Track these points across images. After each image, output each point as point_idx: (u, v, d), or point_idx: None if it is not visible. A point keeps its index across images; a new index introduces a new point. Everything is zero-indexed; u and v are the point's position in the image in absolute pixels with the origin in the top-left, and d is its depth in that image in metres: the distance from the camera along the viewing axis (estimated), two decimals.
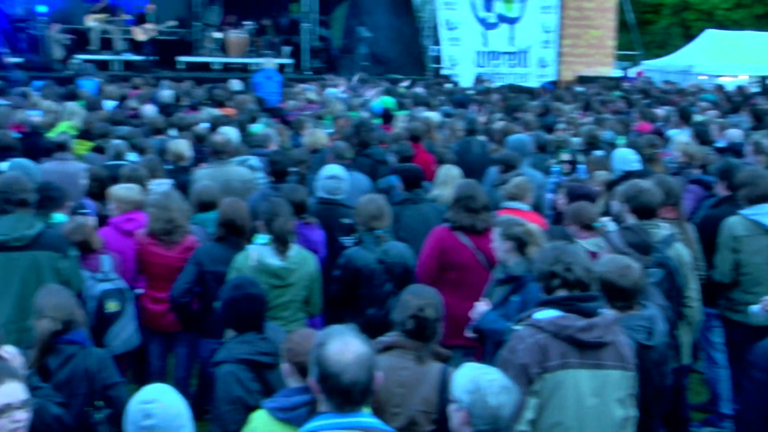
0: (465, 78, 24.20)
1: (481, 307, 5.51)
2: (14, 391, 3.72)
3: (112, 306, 6.02)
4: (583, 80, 24.86)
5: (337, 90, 18.04)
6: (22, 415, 3.72)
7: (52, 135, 10.38)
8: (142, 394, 3.73)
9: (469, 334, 5.62)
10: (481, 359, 5.45)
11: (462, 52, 25.97)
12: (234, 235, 6.38)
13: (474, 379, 3.80)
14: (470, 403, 3.76)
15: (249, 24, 25.24)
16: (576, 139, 11.53)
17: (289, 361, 4.17)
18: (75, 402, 4.63)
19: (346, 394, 3.31)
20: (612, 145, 10.20)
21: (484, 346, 5.63)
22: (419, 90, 18.31)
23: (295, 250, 6.14)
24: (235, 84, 17.73)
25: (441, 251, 6.60)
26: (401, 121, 12.64)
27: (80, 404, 4.65)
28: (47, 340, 4.65)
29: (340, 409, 3.34)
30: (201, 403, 6.96)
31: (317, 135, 10.42)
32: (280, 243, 6.02)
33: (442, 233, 6.70)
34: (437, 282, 6.03)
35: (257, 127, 11.53)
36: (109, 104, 14.48)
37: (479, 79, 22.88)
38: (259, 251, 6.02)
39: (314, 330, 4.45)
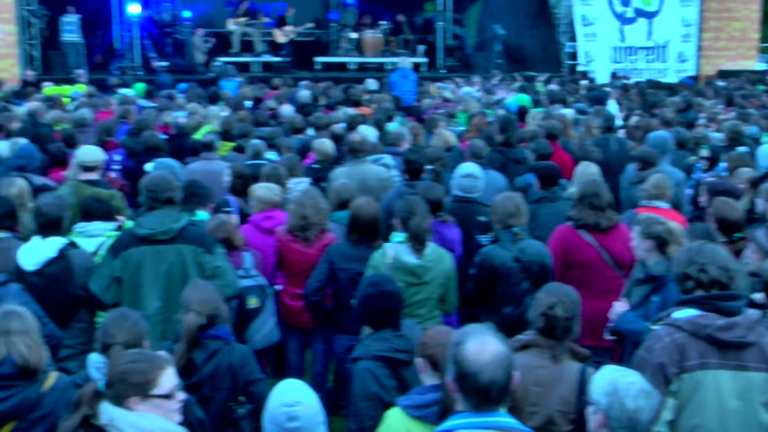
0: (601, 74, 23.74)
1: (619, 307, 5.41)
2: (174, 374, 3.86)
3: (253, 302, 6.16)
4: (724, 75, 23.98)
5: (472, 88, 18.01)
6: (183, 395, 3.86)
7: (198, 136, 10.73)
8: (284, 395, 3.74)
9: (607, 335, 5.52)
10: (619, 361, 5.35)
11: (598, 47, 25.48)
12: (365, 234, 6.45)
13: (612, 381, 3.73)
14: (608, 405, 3.69)
15: (384, 24, 25.48)
16: (717, 135, 11.16)
17: (423, 355, 4.19)
18: (218, 396, 4.76)
19: (484, 393, 3.29)
20: (756, 141, 9.83)
21: (623, 348, 5.53)
22: (554, 87, 18.07)
23: (431, 248, 6.15)
24: (371, 83, 17.90)
25: (564, 250, 6.51)
26: (536, 118, 12.50)
27: (223, 399, 4.78)
28: (193, 334, 4.77)
29: (477, 408, 3.33)
30: (337, 399, 7.07)
31: (445, 135, 10.42)
32: (417, 241, 6.05)
33: (565, 232, 6.61)
34: (561, 281, 5.96)
35: (393, 126, 11.63)
36: (247, 105, 14.88)
37: (616, 75, 22.40)
38: (395, 249, 6.06)
39: (449, 327, 4.47)
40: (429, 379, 4.16)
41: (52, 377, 4.43)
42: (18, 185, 7.28)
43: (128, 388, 3.57)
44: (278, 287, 6.94)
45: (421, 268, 6.05)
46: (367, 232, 6.44)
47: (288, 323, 6.94)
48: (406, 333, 4.82)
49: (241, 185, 8.04)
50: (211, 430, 4.75)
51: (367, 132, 10.22)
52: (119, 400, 3.49)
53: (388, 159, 9.10)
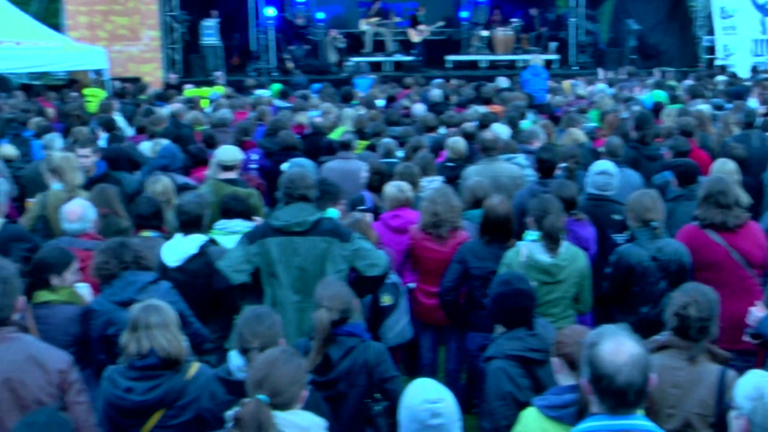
0: (741, 68, 22.89)
1: (758, 312, 5.23)
2: None
3: (386, 300, 6.22)
4: None
5: (605, 85, 17.69)
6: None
7: (333, 136, 10.90)
8: (425, 392, 3.72)
9: (747, 338, 5.35)
10: (762, 365, 5.18)
11: (738, 41, 24.57)
12: (498, 233, 6.43)
13: (758, 387, 3.61)
14: (751, 410, 3.58)
15: (515, 21, 25.30)
16: None
17: (559, 354, 4.16)
18: (354, 393, 4.82)
19: (620, 395, 3.24)
20: None
21: (766, 352, 5.35)
22: (690, 82, 17.57)
23: (565, 246, 6.09)
24: (502, 81, 17.81)
25: (692, 250, 6.30)
26: (671, 115, 12.17)
27: (359, 396, 4.83)
28: (327, 330, 4.83)
29: (613, 411, 3.28)
30: (469, 397, 7.07)
31: (575, 133, 10.27)
32: (551, 240, 6.00)
33: (692, 232, 6.41)
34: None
35: (526, 124, 11.55)
36: (380, 103, 15.03)
37: (756, 69, 21.58)
38: (529, 247, 6.03)
39: (585, 326, 4.41)
40: (565, 379, 4.12)
41: (195, 367, 4.61)
42: (163, 182, 7.58)
43: (294, 395, 3.62)
44: (412, 285, 6.99)
45: (555, 267, 5.99)
46: (500, 230, 6.43)
47: (421, 321, 6.98)
48: (540, 332, 4.78)
49: (377, 181, 8.14)
50: (347, 427, 4.84)
51: (500, 130, 10.18)
52: (284, 408, 3.55)
53: (521, 158, 9.04)
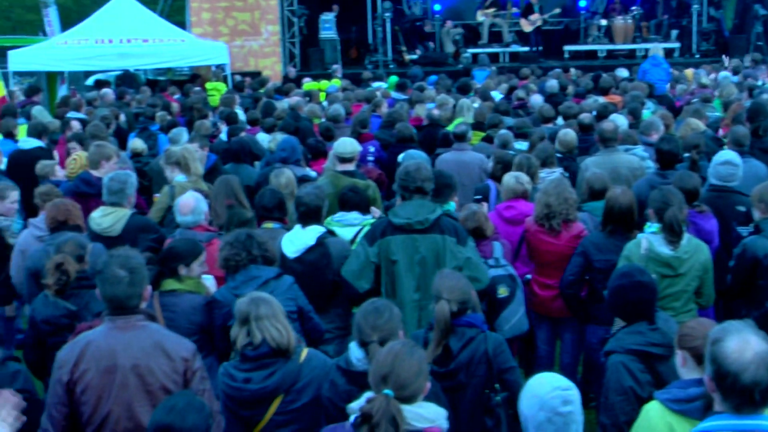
0: None
1: None
2: None
3: (502, 291, 6.19)
4: None
5: (729, 73, 17.16)
6: None
7: (451, 128, 10.90)
8: (555, 380, 3.68)
9: None
10: None
11: None
12: (620, 224, 6.33)
13: None
14: None
15: (635, 9, 24.76)
16: None
17: (683, 347, 4.05)
18: (474, 384, 4.81)
19: (745, 394, 3.14)
20: None
21: None
22: None
23: (687, 239, 5.94)
24: (622, 71, 17.46)
25: None
26: None
27: (479, 386, 4.82)
28: (447, 321, 4.83)
29: (737, 410, 3.18)
30: (586, 391, 6.98)
31: (693, 123, 9.99)
32: (672, 232, 5.86)
33: None
34: None
35: (645, 114, 11.30)
36: (496, 95, 14.95)
37: None
38: (649, 240, 5.91)
39: (709, 320, 4.29)
40: (690, 373, 4.02)
41: (305, 351, 4.69)
42: (287, 175, 7.74)
43: (419, 387, 3.62)
44: (528, 276, 6.95)
45: (676, 260, 5.86)
46: (623, 221, 6.33)
47: (537, 313, 6.94)
48: (661, 326, 4.65)
49: (501, 171, 8.11)
50: (467, 417, 4.84)
51: (619, 120, 9.99)
52: (409, 401, 3.56)
53: (640, 150, 8.85)
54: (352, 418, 3.57)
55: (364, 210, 7.04)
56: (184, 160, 8.21)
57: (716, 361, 3.18)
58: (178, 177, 8.24)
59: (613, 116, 10.38)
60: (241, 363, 4.60)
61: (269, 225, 6.69)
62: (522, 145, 9.67)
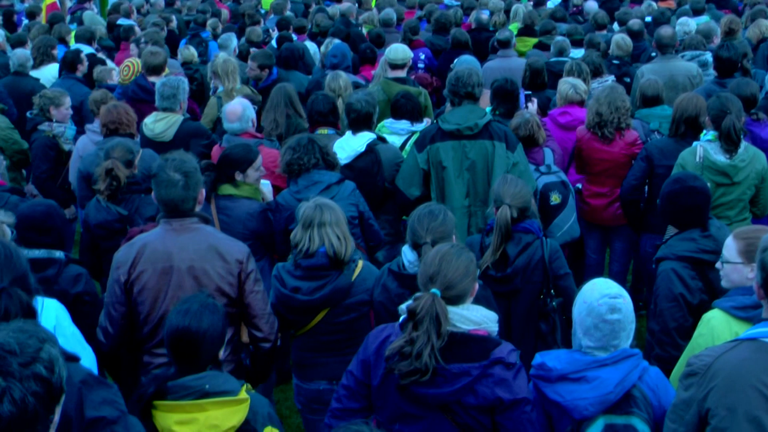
0: None
1: None
2: None
3: (555, 198, 6.16)
4: None
5: None
6: None
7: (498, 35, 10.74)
8: (605, 288, 3.64)
9: None
10: None
11: None
12: (690, 129, 6.22)
13: None
14: None
15: None
16: None
17: (741, 251, 3.99)
18: (529, 289, 4.85)
19: None
20: None
21: None
22: None
23: (744, 147, 5.84)
24: None
25: None
26: None
27: (534, 292, 4.86)
28: (508, 226, 4.84)
29: None
30: (635, 300, 6.98)
31: (763, 25, 9.68)
32: (729, 140, 5.76)
33: None
34: None
35: (702, 20, 11.00)
36: (553, 1, 14.63)
37: None
38: (705, 148, 5.82)
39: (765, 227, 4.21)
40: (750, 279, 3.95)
41: (360, 266, 4.71)
42: (343, 79, 7.72)
43: (466, 289, 3.60)
44: (578, 186, 6.91)
45: (732, 168, 5.77)
46: (691, 127, 6.22)
47: (588, 221, 6.91)
48: (714, 233, 4.61)
49: (528, 79, 8.09)
50: (521, 322, 4.88)
51: (690, 25, 9.72)
52: (456, 302, 3.56)
53: (708, 56, 8.62)
54: (401, 318, 3.61)
55: (416, 117, 7.00)
56: (220, 70, 8.22)
57: (765, 269, 3.15)
58: (220, 87, 8.31)
59: (682, 19, 10.12)
60: (294, 269, 4.65)
61: (323, 130, 6.68)
62: (578, 52, 9.50)
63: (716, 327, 3.86)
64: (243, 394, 3.36)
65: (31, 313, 2.87)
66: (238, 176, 5.63)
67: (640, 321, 6.27)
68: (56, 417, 2.33)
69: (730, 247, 3.98)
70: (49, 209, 4.94)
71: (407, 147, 6.59)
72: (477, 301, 3.69)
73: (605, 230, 7.04)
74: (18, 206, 5.18)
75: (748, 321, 3.73)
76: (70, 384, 2.83)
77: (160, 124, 7.01)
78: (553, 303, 4.85)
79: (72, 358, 3.09)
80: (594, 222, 6.95)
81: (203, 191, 4.49)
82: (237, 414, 3.32)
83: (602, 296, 3.58)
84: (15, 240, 4.39)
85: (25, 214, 4.83)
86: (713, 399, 3.15)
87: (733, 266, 3.97)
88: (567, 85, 7.32)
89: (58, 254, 4.79)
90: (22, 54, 9.60)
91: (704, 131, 6.08)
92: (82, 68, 9.39)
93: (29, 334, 2.28)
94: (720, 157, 5.78)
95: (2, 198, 5.72)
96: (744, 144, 5.87)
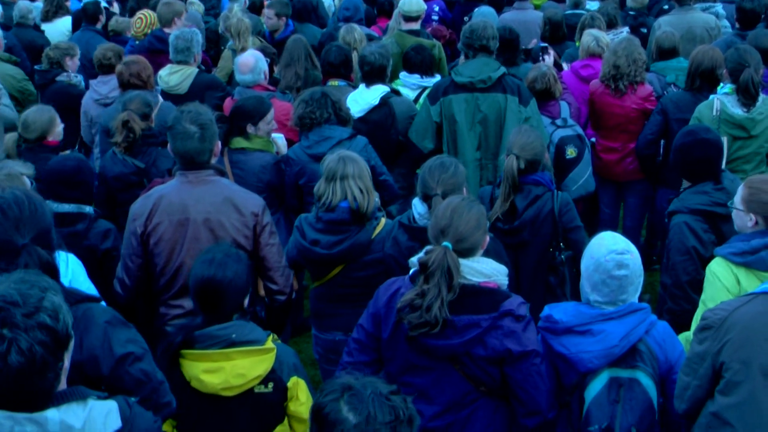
0: None
1: None
2: None
3: (570, 152, 6.13)
4: None
5: None
6: None
7: None
8: (613, 243, 3.63)
9: None
10: None
11: None
12: (706, 82, 6.18)
13: None
14: None
15: None
16: None
17: (745, 201, 3.97)
18: (538, 241, 4.83)
19: None
20: None
21: None
22: None
23: (761, 100, 5.78)
24: None
25: None
26: None
27: (543, 244, 4.85)
28: (514, 176, 4.82)
29: None
30: (649, 254, 7.00)
31: None
32: (747, 93, 5.71)
33: None
34: None
35: None
36: None
37: None
38: (722, 101, 5.77)
39: None
40: (751, 227, 3.96)
41: (381, 224, 4.70)
42: (358, 32, 7.67)
43: (477, 242, 3.60)
44: (593, 140, 6.88)
45: (749, 121, 5.73)
46: (707, 80, 6.17)
47: (601, 176, 6.88)
48: (727, 186, 4.58)
49: (548, 32, 8.01)
50: (530, 275, 4.89)
51: None
52: (466, 255, 3.55)
53: (718, 8, 8.53)
54: (411, 271, 3.62)
55: (427, 71, 6.96)
56: (233, 30, 8.18)
57: None
58: (230, 42, 8.28)
59: None
60: (315, 222, 4.67)
61: (334, 82, 6.67)
62: (593, 4, 9.40)
63: (717, 271, 3.92)
64: (269, 344, 3.41)
65: (51, 270, 2.88)
66: (250, 129, 5.63)
67: (654, 275, 6.32)
68: (65, 363, 2.37)
69: (738, 193, 4.01)
70: (80, 163, 5.00)
71: (420, 101, 6.56)
72: (487, 253, 3.69)
73: (618, 185, 7.02)
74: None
75: (746, 266, 3.81)
76: (95, 324, 2.98)
77: (174, 76, 7.00)
78: (562, 256, 4.85)
79: (94, 299, 3.16)
80: (607, 177, 6.93)
81: (219, 143, 4.49)
82: (263, 363, 3.37)
83: (609, 252, 3.58)
84: (39, 192, 4.42)
85: (55, 168, 4.88)
86: (728, 353, 3.17)
87: (737, 212, 4.00)
88: (590, 37, 7.26)
89: (88, 209, 4.85)
90: (23, 5, 9.57)
91: (721, 84, 6.03)
92: (102, 20, 9.36)
93: (30, 284, 2.30)
94: (737, 111, 5.74)
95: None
96: (762, 97, 5.82)
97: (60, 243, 3.29)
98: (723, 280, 3.90)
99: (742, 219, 3.98)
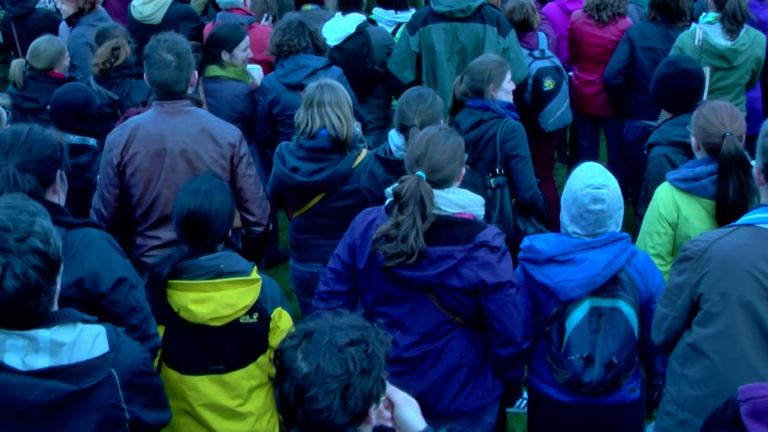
0: None
1: None
2: None
3: (548, 84, 6.10)
4: None
5: None
6: None
7: None
8: (590, 177, 3.60)
9: None
10: None
11: None
12: (666, 12, 6.14)
13: None
14: None
15: None
16: None
17: (696, 135, 3.99)
18: (480, 165, 4.76)
19: None
20: None
21: None
22: None
23: (745, 29, 5.75)
24: None
25: None
26: None
27: (484, 169, 4.77)
28: (457, 97, 4.86)
29: None
30: (626, 187, 7.00)
31: None
32: (734, 20, 5.66)
33: None
34: None
35: None
36: None
37: None
38: (704, 30, 5.73)
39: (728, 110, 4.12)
40: (702, 154, 3.99)
41: (363, 154, 4.66)
42: None
43: (452, 172, 3.55)
44: (570, 74, 6.85)
45: (732, 52, 5.70)
46: (667, 10, 6.13)
47: (579, 110, 6.87)
48: None
49: None
50: None
51: None
52: (441, 185, 3.50)
53: None
54: (387, 202, 3.60)
55: (403, 4, 6.86)
56: None
57: (767, 153, 3.13)
58: None
59: None
60: (296, 149, 4.64)
61: (308, 7, 6.60)
62: None
63: (658, 197, 4.00)
64: (255, 275, 3.40)
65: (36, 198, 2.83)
66: (225, 56, 5.57)
67: (627, 209, 6.34)
68: (57, 286, 2.39)
69: None
70: (89, 95, 4.99)
71: (397, 35, 6.49)
72: (464, 185, 3.66)
73: (596, 120, 7.01)
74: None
75: (689, 192, 3.88)
76: (96, 244, 3.07)
77: (148, 6, 6.86)
78: (491, 180, 4.77)
79: (94, 224, 3.20)
80: (585, 112, 6.92)
81: (195, 73, 4.42)
82: (250, 294, 3.37)
83: (585, 186, 3.56)
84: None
85: (66, 98, 4.87)
86: (707, 284, 3.17)
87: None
88: None
89: (92, 141, 4.82)
90: None
91: (703, 14, 5.99)
92: None
93: (19, 210, 2.30)
94: (720, 41, 5.71)
95: None
96: (745, 26, 5.78)
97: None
98: (660, 207, 3.97)
99: (693, 144, 4.05)
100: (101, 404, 2.42)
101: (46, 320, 2.33)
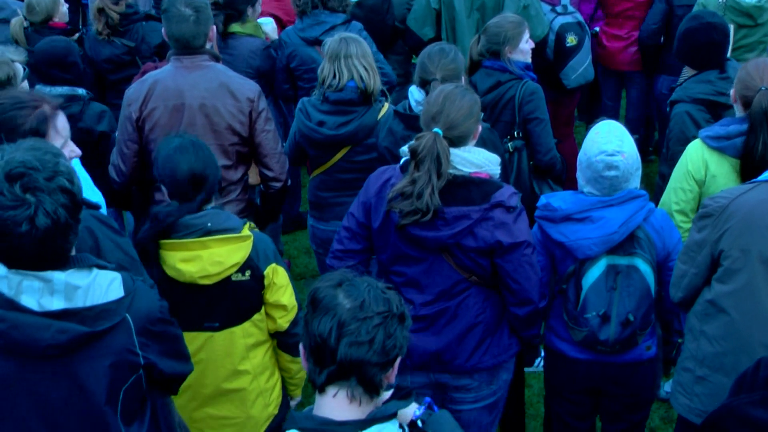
0: None
1: None
2: None
3: (571, 40, 6.03)
4: None
5: None
6: None
7: None
8: (605, 142, 3.55)
9: None
10: None
11: None
12: None
13: None
14: None
15: None
16: None
17: (735, 86, 3.90)
18: (498, 128, 4.71)
19: None
20: None
21: None
22: None
23: None
24: None
25: None
26: None
27: (502, 132, 4.71)
28: (474, 58, 4.79)
29: None
30: (647, 145, 6.96)
31: None
32: None
33: None
34: None
35: None
36: None
37: None
38: None
39: None
40: (739, 112, 3.92)
41: (385, 107, 4.65)
42: None
43: (468, 130, 3.51)
44: (596, 29, 6.77)
45: (756, 9, 5.62)
46: None
47: (604, 66, 6.80)
48: (731, 75, 4.43)
49: None
50: None
51: None
52: (458, 143, 3.45)
53: None
54: (402, 160, 3.57)
55: None
56: None
57: None
58: None
59: None
60: (320, 103, 4.62)
61: None
62: None
63: (689, 153, 3.93)
64: (245, 232, 3.39)
65: None
66: (249, 11, 5.57)
67: (650, 166, 6.30)
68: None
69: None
70: (68, 44, 4.94)
71: None
72: (483, 143, 3.63)
73: (621, 76, 6.93)
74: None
75: (720, 150, 3.80)
76: (87, 229, 2.95)
77: None
78: (509, 144, 4.73)
79: (94, 206, 3.15)
80: (610, 67, 6.84)
81: (214, 27, 4.40)
82: (240, 251, 3.36)
83: (600, 152, 3.52)
84: (32, 77, 4.34)
85: (46, 50, 4.82)
86: (727, 240, 3.16)
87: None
88: None
89: (81, 91, 4.80)
90: None
91: None
92: None
93: (44, 151, 2.34)
94: None
95: None
96: None
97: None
98: (689, 164, 3.90)
99: (732, 95, 3.95)
100: (115, 348, 2.44)
101: (66, 262, 2.37)
